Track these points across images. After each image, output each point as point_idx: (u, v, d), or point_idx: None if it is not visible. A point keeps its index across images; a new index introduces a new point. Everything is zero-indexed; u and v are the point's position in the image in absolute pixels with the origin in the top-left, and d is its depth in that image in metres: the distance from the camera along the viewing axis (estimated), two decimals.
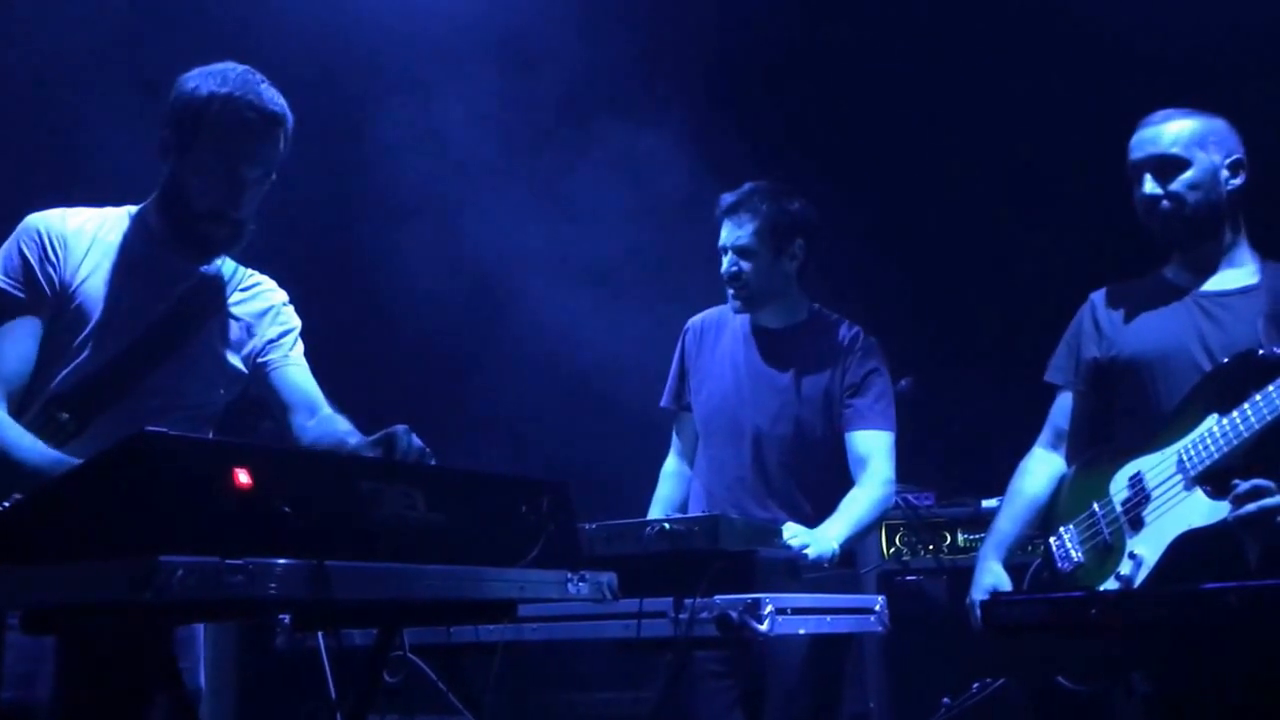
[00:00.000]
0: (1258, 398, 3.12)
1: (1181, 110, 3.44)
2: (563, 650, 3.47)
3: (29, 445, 2.72)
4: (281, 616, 3.30)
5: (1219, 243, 3.43)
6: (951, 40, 6.05)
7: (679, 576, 3.09)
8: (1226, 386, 3.22)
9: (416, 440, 2.65)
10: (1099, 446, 3.53)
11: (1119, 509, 3.33)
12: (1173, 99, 3.48)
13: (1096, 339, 3.56)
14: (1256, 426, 3.12)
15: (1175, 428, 3.28)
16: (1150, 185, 3.40)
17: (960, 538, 5.37)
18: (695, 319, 4.40)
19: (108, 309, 2.91)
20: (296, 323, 3.23)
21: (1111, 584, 3.26)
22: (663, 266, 5.67)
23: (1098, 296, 3.63)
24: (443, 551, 2.19)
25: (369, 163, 5.85)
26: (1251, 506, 3.09)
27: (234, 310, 3.12)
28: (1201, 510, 3.18)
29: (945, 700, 4.79)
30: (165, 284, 3.01)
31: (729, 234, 4.16)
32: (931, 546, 5.36)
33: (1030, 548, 3.72)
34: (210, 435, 3.08)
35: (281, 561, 1.90)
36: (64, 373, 2.87)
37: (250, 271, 3.20)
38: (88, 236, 2.95)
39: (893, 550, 5.40)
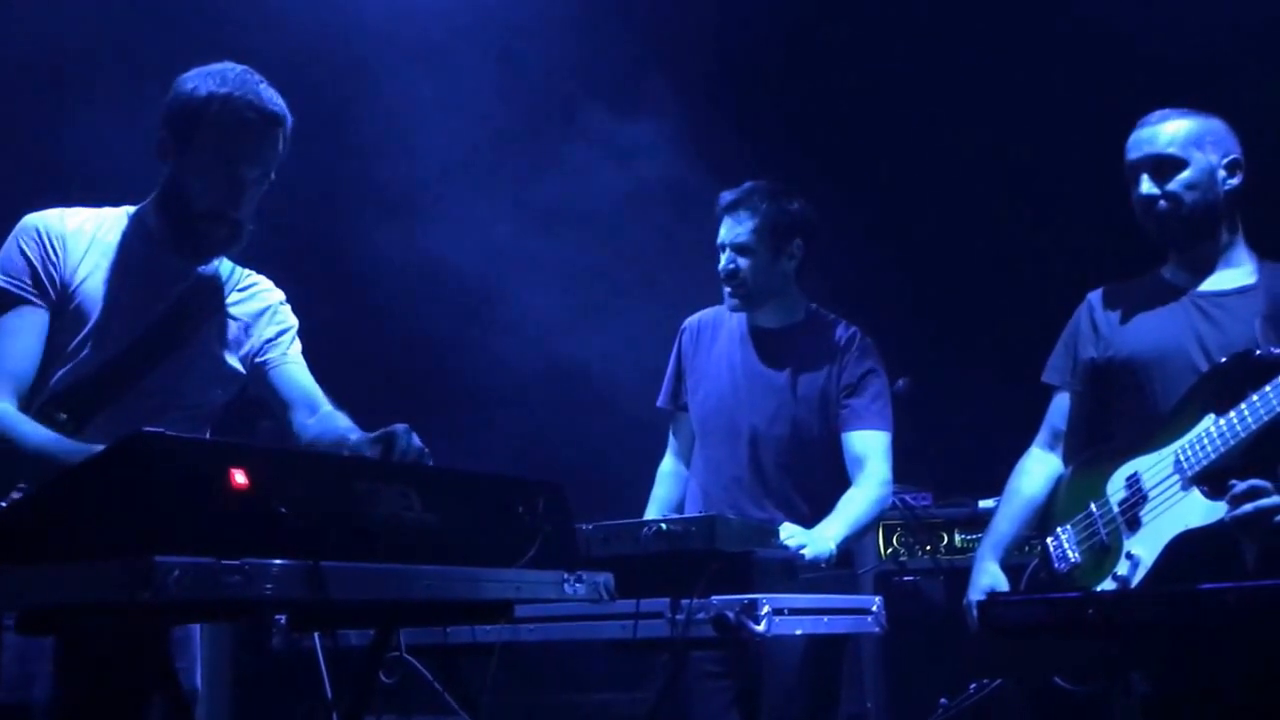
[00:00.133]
0: (1255, 398, 3.12)
1: (1179, 110, 3.44)
2: (560, 651, 3.47)
3: (45, 434, 2.72)
4: (278, 617, 3.30)
5: (1216, 243, 3.43)
6: (951, 40, 6.05)
7: (676, 577, 3.08)
8: (1224, 387, 3.21)
9: (416, 439, 2.66)
10: (1096, 447, 3.53)
11: (1116, 509, 3.33)
12: (1172, 99, 3.48)
13: (1094, 339, 3.56)
14: (1254, 427, 3.12)
15: (1172, 428, 3.28)
16: (1147, 185, 3.40)
17: (958, 538, 5.37)
18: (692, 319, 4.40)
19: (106, 309, 2.91)
20: (294, 321, 3.23)
21: (1109, 584, 3.26)
22: (660, 265, 5.67)
23: (1095, 297, 3.63)
24: (439, 552, 2.18)
25: (363, 161, 5.84)
26: (1248, 507, 3.09)
27: (232, 310, 3.12)
28: (1199, 510, 3.18)
29: (943, 701, 4.79)
30: (164, 284, 3.00)
31: (728, 231, 4.16)
32: (929, 547, 5.36)
33: (1028, 548, 3.72)
34: (208, 435, 3.08)
35: (278, 562, 1.90)
36: (62, 373, 2.87)
37: (247, 271, 3.20)
38: (86, 237, 2.95)
39: (890, 551, 5.40)
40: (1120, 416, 3.51)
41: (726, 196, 4.19)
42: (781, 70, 6.38)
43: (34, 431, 2.72)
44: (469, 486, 2.41)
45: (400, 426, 2.67)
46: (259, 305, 3.18)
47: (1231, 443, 3.15)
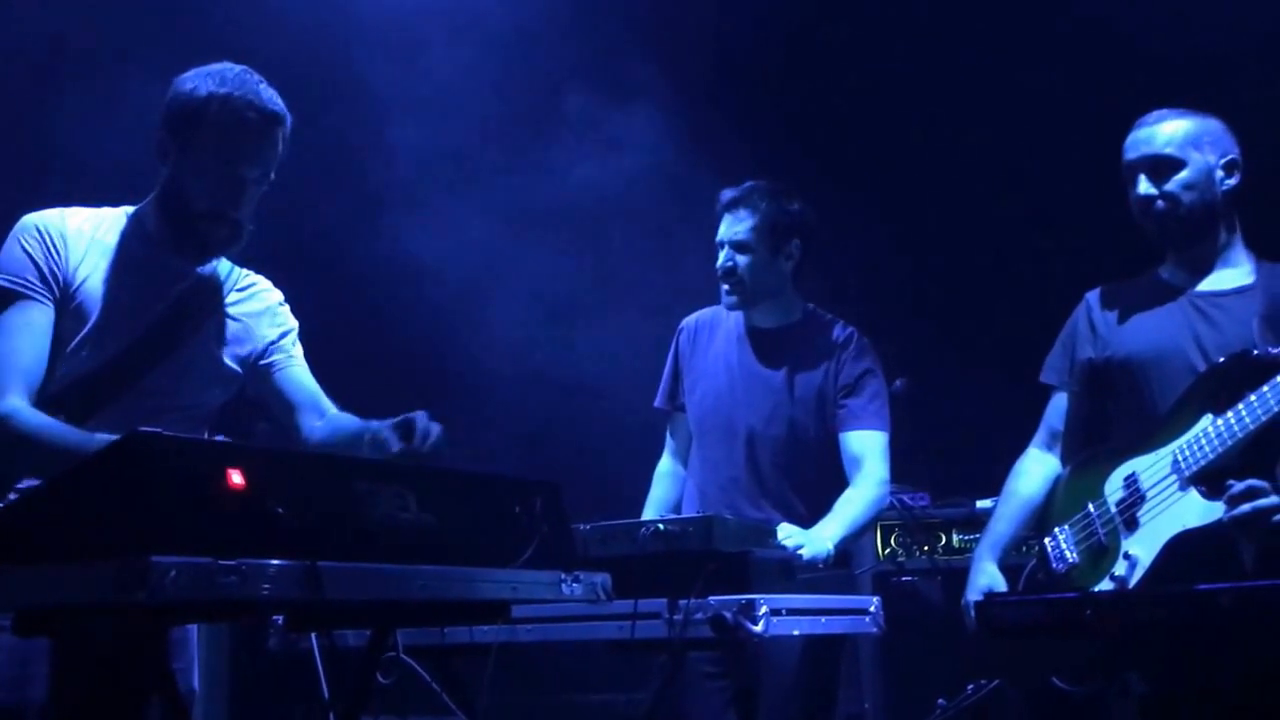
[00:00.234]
0: (1252, 398, 3.12)
1: (1176, 110, 3.44)
2: (557, 651, 3.46)
3: (65, 429, 2.71)
4: (275, 617, 3.30)
5: (1214, 243, 3.43)
6: (951, 40, 6.05)
7: (673, 577, 3.08)
8: (1221, 387, 3.21)
9: (436, 425, 2.66)
10: (1094, 447, 3.53)
11: (1114, 509, 3.33)
12: (1172, 99, 3.48)
13: (1091, 339, 3.56)
14: (1251, 427, 3.12)
15: (1170, 428, 3.28)
16: (1145, 186, 3.40)
17: (955, 538, 5.36)
18: (689, 319, 4.40)
19: (105, 310, 2.90)
20: (294, 323, 3.24)
21: (1106, 585, 3.26)
22: (657, 265, 5.66)
23: (1093, 297, 3.63)
24: (436, 552, 2.18)
25: (359, 162, 5.83)
26: (1246, 507, 3.08)
27: (230, 311, 3.11)
28: (1196, 511, 3.18)
29: (940, 701, 4.78)
30: (163, 285, 3.00)
31: (727, 228, 4.16)
32: (926, 547, 5.36)
33: (1025, 548, 3.72)
34: (205, 436, 3.07)
35: (275, 562, 1.90)
36: (60, 373, 2.86)
37: (246, 271, 3.20)
38: (86, 237, 2.94)
39: (888, 551, 5.39)
40: (1118, 416, 3.51)
41: (727, 194, 4.20)
42: (781, 70, 6.38)
43: (59, 428, 2.72)
44: (466, 487, 2.41)
45: (420, 413, 2.67)
46: (258, 306, 3.17)
47: (1229, 443, 3.15)
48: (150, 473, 1.84)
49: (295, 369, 3.17)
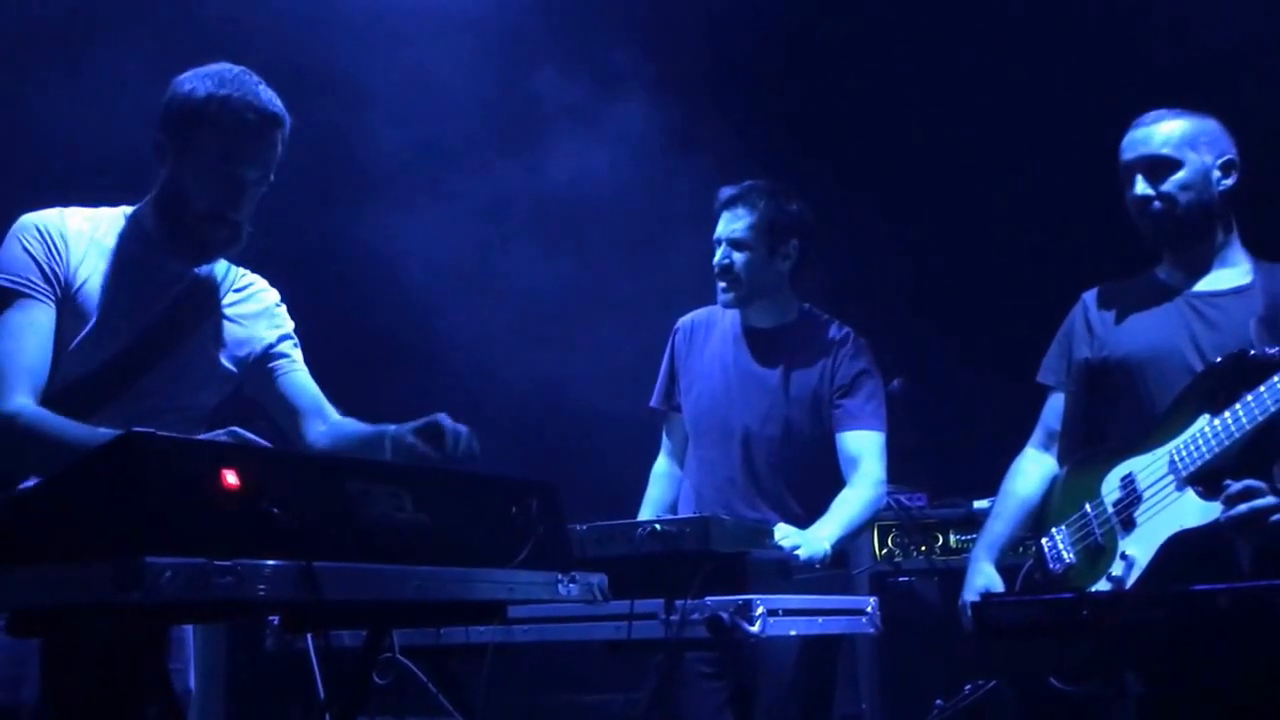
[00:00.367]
0: (1249, 398, 3.12)
1: (1173, 110, 3.44)
2: (553, 652, 3.45)
3: (74, 426, 2.70)
4: (271, 618, 3.29)
5: (1211, 243, 3.43)
6: (951, 39, 6.05)
7: (670, 578, 3.08)
8: (1218, 387, 3.22)
9: (463, 427, 2.65)
10: (1091, 447, 3.53)
11: (1111, 510, 3.33)
12: (1172, 99, 3.48)
13: (1088, 339, 3.55)
14: (1248, 427, 3.12)
15: (1167, 428, 3.28)
16: (1142, 186, 3.40)
17: (952, 539, 5.36)
18: (685, 319, 4.40)
19: (104, 311, 2.89)
20: (291, 324, 3.23)
21: (1103, 585, 3.25)
22: (653, 264, 5.66)
23: (1090, 297, 3.63)
24: (432, 552, 2.18)
25: (345, 163, 5.81)
26: (1243, 507, 3.08)
27: (228, 311, 3.11)
28: (1193, 511, 3.18)
29: (938, 702, 4.77)
30: (161, 286, 2.99)
31: (725, 225, 4.16)
32: (924, 547, 5.36)
33: (1022, 549, 3.72)
34: (201, 436, 3.06)
35: (270, 563, 1.90)
36: (59, 374, 2.85)
37: (243, 271, 3.19)
38: (85, 237, 2.94)
39: (885, 551, 5.39)
40: (1115, 417, 3.51)
41: (726, 192, 4.20)
42: (779, 68, 6.37)
43: (68, 426, 2.71)
44: (462, 487, 2.41)
45: (442, 415, 2.66)
46: (256, 307, 3.17)
47: (1226, 443, 3.15)
48: (145, 473, 1.83)
49: (298, 374, 3.17)
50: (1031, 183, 5.90)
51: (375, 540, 2.10)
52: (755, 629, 3.00)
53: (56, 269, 2.87)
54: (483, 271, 5.94)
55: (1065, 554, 3.38)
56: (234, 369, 3.10)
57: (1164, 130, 3.40)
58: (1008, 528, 3.58)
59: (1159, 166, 3.38)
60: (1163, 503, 3.23)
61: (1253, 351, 3.22)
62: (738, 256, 4.12)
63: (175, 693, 2.59)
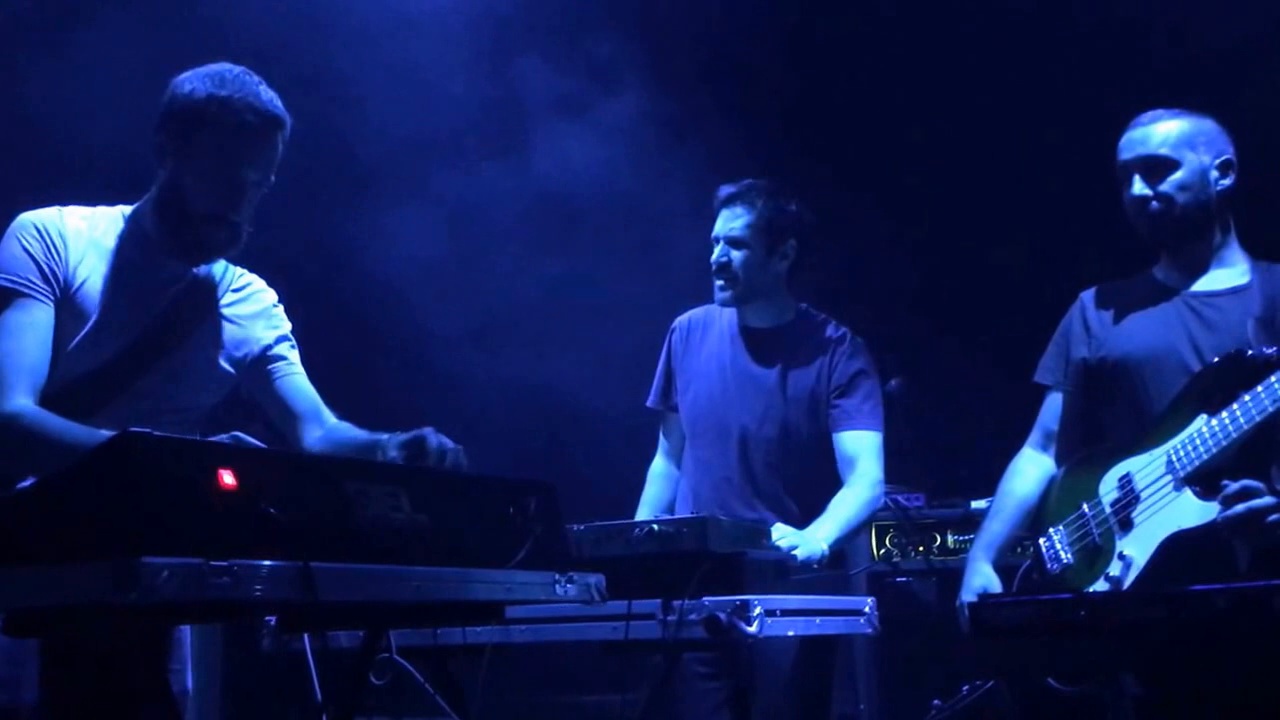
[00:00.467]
0: (1246, 398, 3.12)
1: (1171, 110, 3.44)
2: (551, 652, 3.45)
3: (74, 427, 2.69)
4: (268, 618, 3.29)
5: (1209, 243, 3.43)
6: (950, 39, 6.04)
7: (667, 578, 3.08)
8: (1215, 387, 3.22)
9: (446, 440, 2.65)
10: (1088, 447, 3.53)
11: (1108, 510, 3.33)
12: (1170, 98, 3.48)
13: (1085, 339, 3.55)
14: (1245, 427, 3.12)
15: (1164, 428, 3.28)
16: (1139, 186, 3.40)
17: (950, 539, 5.36)
18: (682, 318, 4.40)
19: (103, 312, 2.89)
20: (289, 325, 3.22)
21: (1101, 585, 3.25)
22: (649, 263, 5.65)
23: (1087, 296, 3.63)
24: (429, 553, 2.17)
25: (344, 167, 5.80)
26: (1240, 507, 3.09)
27: (226, 312, 3.10)
28: (1191, 511, 3.18)
29: (935, 702, 4.77)
30: (160, 287, 2.99)
31: (723, 223, 4.16)
32: (921, 548, 5.35)
33: (1020, 549, 3.71)
34: (198, 437, 3.06)
35: (267, 563, 1.89)
36: (57, 374, 2.84)
37: (241, 271, 3.18)
38: (84, 237, 2.93)
39: (882, 551, 5.39)
40: (1112, 417, 3.51)
41: (725, 190, 4.20)
42: (777, 67, 6.37)
43: (69, 427, 2.70)
44: (459, 487, 2.41)
45: (427, 429, 2.66)
46: (254, 308, 3.16)
47: (1223, 443, 3.15)
48: (142, 473, 1.83)
49: (296, 377, 3.16)
50: (1030, 182, 5.90)
51: (372, 540, 2.10)
52: (753, 629, 3.00)
53: (55, 269, 2.86)
54: (479, 270, 5.93)
55: (1063, 554, 3.38)
56: (232, 370, 3.10)
57: (1162, 130, 3.40)
58: (1005, 528, 3.58)
59: (1157, 167, 3.38)
60: (1160, 503, 3.23)
61: (1250, 351, 3.22)
62: (735, 255, 4.12)
63: (173, 693, 2.60)
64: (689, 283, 4.51)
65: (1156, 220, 3.40)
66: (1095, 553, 3.32)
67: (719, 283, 4.16)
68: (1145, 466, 3.28)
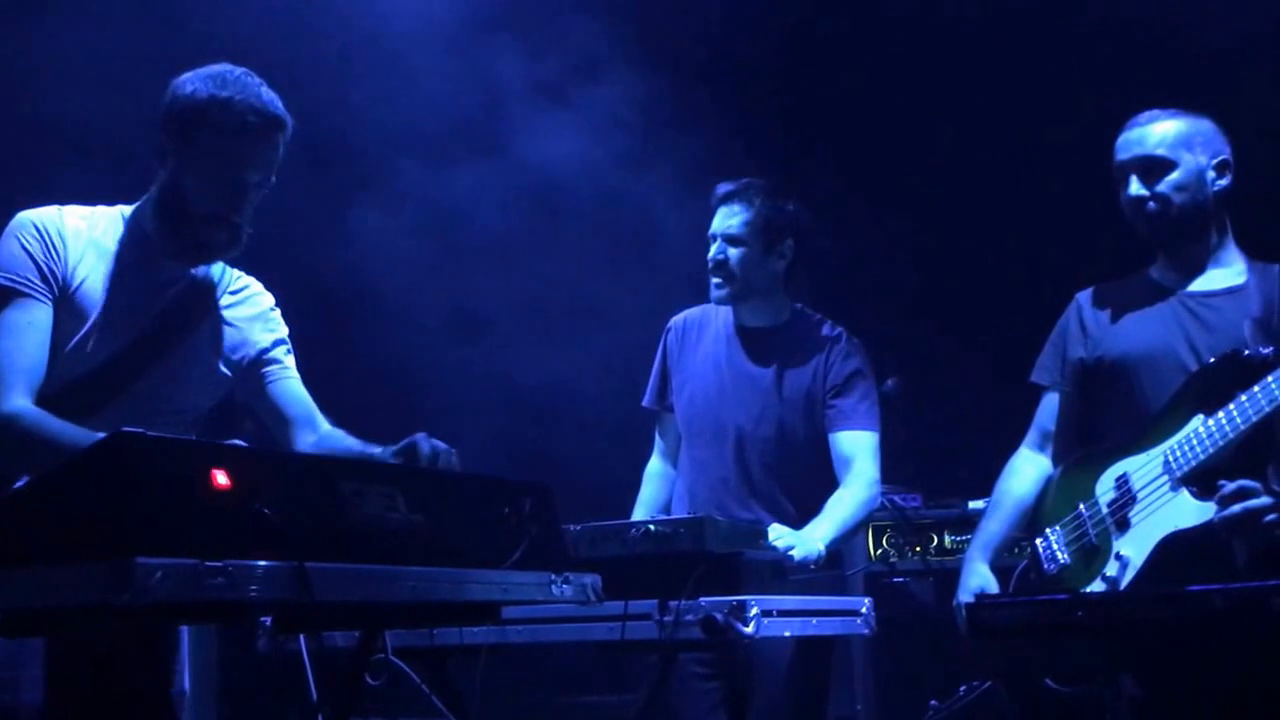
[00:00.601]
0: (1243, 398, 3.12)
1: (1168, 111, 3.44)
2: (547, 653, 3.45)
3: (72, 429, 2.69)
4: (263, 619, 3.28)
5: (1205, 243, 3.43)
6: (949, 39, 6.04)
7: (664, 578, 3.07)
8: (1212, 387, 3.21)
9: (439, 443, 2.64)
10: (1085, 447, 3.53)
11: (1105, 510, 3.32)
12: (1169, 98, 3.48)
13: (1082, 339, 3.55)
14: (1242, 427, 3.12)
15: (1161, 428, 3.28)
16: (1136, 186, 3.39)
17: (947, 539, 5.35)
18: (677, 318, 4.39)
19: (101, 312, 2.89)
20: (286, 329, 3.22)
21: (1098, 585, 3.25)
22: (644, 265, 5.65)
23: (1084, 297, 3.62)
24: (425, 553, 2.17)
25: (324, 160, 5.78)
26: (1237, 507, 3.08)
27: (224, 314, 3.10)
28: (1188, 511, 3.18)
29: (933, 703, 4.77)
30: (159, 288, 2.99)
31: (721, 221, 4.16)
32: (918, 548, 5.35)
33: (1017, 549, 3.71)
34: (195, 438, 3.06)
35: (262, 563, 1.89)
36: (55, 375, 2.84)
37: (238, 273, 3.18)
38: (84, 237, 2.93)
39: (879, 552, 5.38)
40: (1109, 417, 3.50)
41: (723, 187, 4.19)
42: (777, 66, 6.36)
43: (67, 428, 2.70)
44: (455, 487, 2.40)
45: (420, 435, 2.66)
46: (252, 310, 3.16)
47: (1220, 443, 3.15)
48: (135, 473, 1.83)
49: (290, 381, 3.16)
50: (1027, 182, 5.90)
51: (368, 541, 2.09)
52: (749, 630, 3.00)
53: (54, 268, 2.86)
54: (473, 269, 5.92)
55: (1060, 554, 3.38)
56: (229, 373, 3.09)
57: (1158, 130, 3.40)
58: (1002, 528, 3.58)
59: (1154, 167, 3.38)
60: (1157, 503, 3.23)
61: (1246, 351, 3.22)
62: (732, 252, 4.12)
63: (171, 694, 2.59)
64: (685, 282, 4.50)
65: (1153, 220, 3.40)
66: (1092, 553, 3.32)
67: (715, 280, 4.15)
68: (1142, 467, 3.28)
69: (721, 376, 4.19)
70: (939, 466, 5.66)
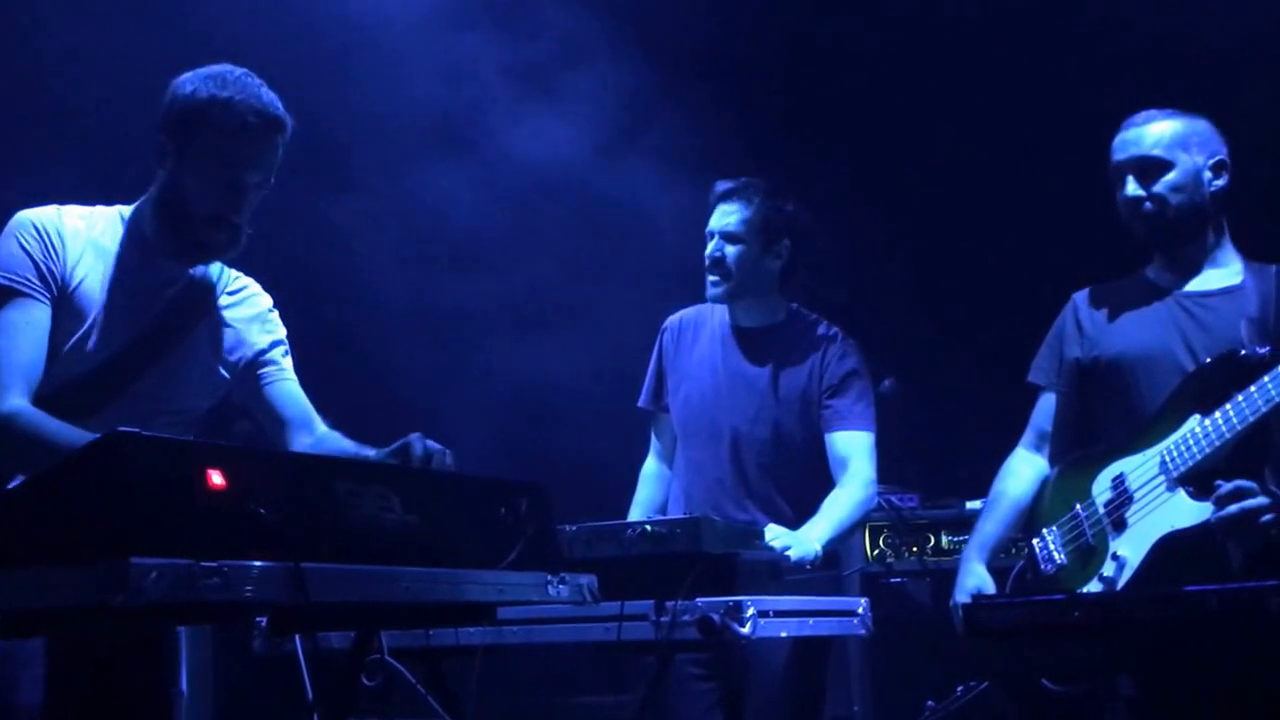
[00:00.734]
0: (1240, 398, 3.12)
1: (1164, 111, 3.44)
2: (543, 653, 3.45)
3: (70, 429, 2.68)
4: (258, 619, 3.28)
5: (1202, 244, 3.43)
6: (947, 39, 6.04)
7: (660, 579, 3.07)
8: (1209, 387, 3.21)
9: (433, 444, 2.64)
10: (1082, 448, 3.53)
11: (1101, 510, 3.32)
12: (1167, 98, 3.48)
13: (1079, 339, 3.55)
14: (1238, 427, 3.12)
15: (1158, 429, 3.28)
16: (1133, 187, 3.39)
17: (944, 539, 5.35)
18: (673, 318, 4.39)
19: (100, 313, 2.89)
20: (284, 331, 3.21)
21: (1094, 586, 3.25)
22: (640, 265, 5.64)
23: (1080, 297, 3.62)
24: (421, 554, 2.17)
25: (316, 158, 5.76)
26: (1234, 508, 3.08)
27: (222, 315, 3.09)
28: (1184, 511, 3.18)
29: (929, 703, 4.77)
30: (157, 288, 2.98)
31: (719, 219, 4.15)
32: (915, 548, 5.35)
33: (1013, 550, 3.71)
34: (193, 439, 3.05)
35: (257, 564, 1.89)
36: (53, 375, 2.84)
37: (236, 274, 3.18)
38: (82, 237, 2.92)
39: (876, 552, 5.39)
40: (1106, 417, 3.50)
41: (721, 185, 4.20)
42: (779, 68, 6.36)
43: (64, 429, 2.69)
44: (451, 488, 2.40)
45: (414, 436, 2.65)
46: (250, 311, 3.15)
47: (1217, 443, 3.15)
48: (130, 473, 1.82)
49: (287, 383, 3.15)
50: (1025, 183, 5.90)
51: (364, 541, 2.09)
52: (746, 630, 3.00)
53: (53, 268, 2.86)
54: (472, 269, 5.91)
55: (1056, 555, 3.38)
56: (227, 374, 3.09)
57: (1155, 131, 3.40)
58: (999, 528, 3.57)
59: (1150, 167, 3.38)
60: (1154, 503, 3.23)
61: (1243, 352, 3.22)
62: (730, 250, 4.11)
63: (169, 695, 2.59)
64: (681, 281, 4.50)
65: (1150, 221, 3.40)
66: (1089, 553, 3.32)
67: (712, 278, 4.14)
68: (1139, 467, 3.28)
69: (717, 377, 4.19)
70: (936, 466, 5.66)
